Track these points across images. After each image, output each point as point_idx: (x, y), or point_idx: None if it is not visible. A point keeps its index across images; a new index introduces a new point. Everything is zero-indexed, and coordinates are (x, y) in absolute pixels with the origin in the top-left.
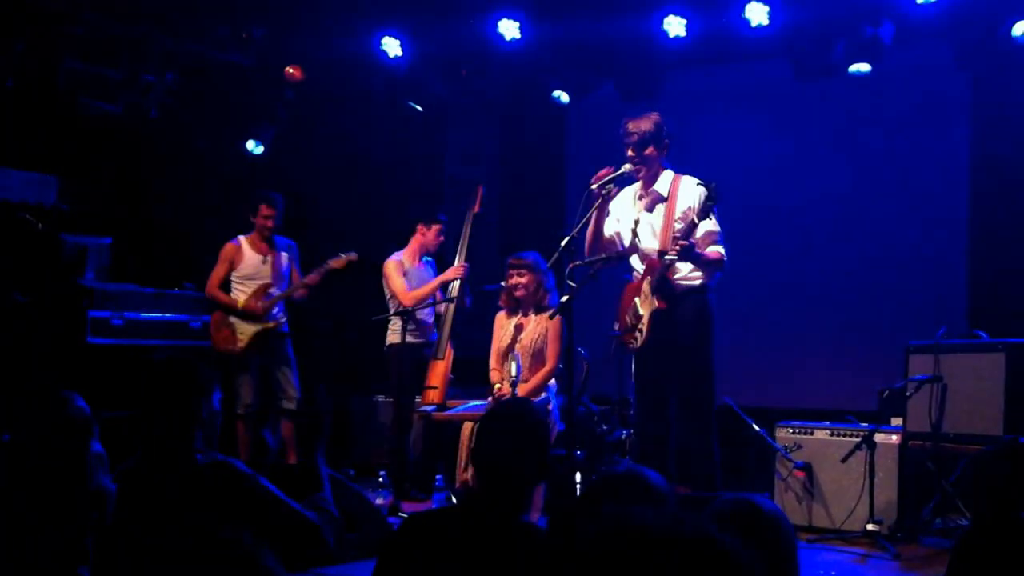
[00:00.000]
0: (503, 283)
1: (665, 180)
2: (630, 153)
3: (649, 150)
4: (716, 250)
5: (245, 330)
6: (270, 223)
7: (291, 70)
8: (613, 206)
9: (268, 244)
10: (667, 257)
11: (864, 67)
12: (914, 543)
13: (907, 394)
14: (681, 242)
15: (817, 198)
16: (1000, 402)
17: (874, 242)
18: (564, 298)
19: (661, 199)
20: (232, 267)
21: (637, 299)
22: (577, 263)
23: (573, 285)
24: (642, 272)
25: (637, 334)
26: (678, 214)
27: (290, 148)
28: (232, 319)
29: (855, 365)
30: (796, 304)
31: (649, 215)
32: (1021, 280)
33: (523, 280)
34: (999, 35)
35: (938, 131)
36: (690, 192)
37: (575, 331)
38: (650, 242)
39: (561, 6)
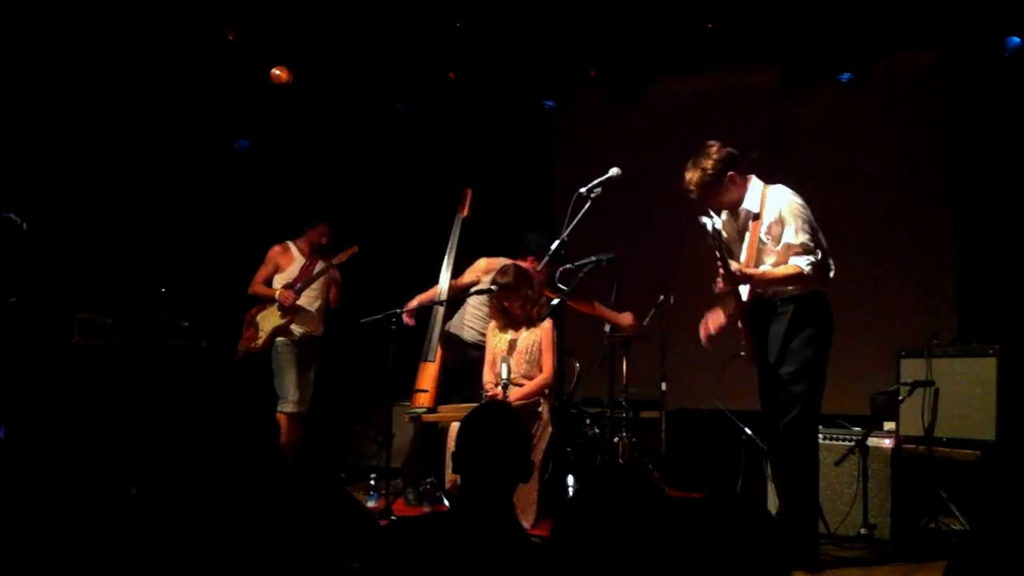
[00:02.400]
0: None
1: (754, 194)
2: (706, 204)
3: (720, 182)
4: (794, 264)
5: (265, 327)
6: (324, 241)
7: (277, 71)
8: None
9: (315, 257)
10: (717, 289)
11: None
12: (908, 548)
13: (899, 399)
14: (722, 274)
15: (809, 202)
16: (992, 406)
17: (866, 246)
18: (554, 301)
19: (753, 216)
20: (278, 268)
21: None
22: (567, 267)
23: (564, 289)
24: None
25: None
26: (763, 230)
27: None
28: (257, 318)
29: (847, 370)
30: None
31: (745, 231)
32: (1012, 285)
33: (515, 304)
34: (983, 45)
35: (926, 136)
36: (775, 204)
37: (567, 334)
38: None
39: (548, 10)
